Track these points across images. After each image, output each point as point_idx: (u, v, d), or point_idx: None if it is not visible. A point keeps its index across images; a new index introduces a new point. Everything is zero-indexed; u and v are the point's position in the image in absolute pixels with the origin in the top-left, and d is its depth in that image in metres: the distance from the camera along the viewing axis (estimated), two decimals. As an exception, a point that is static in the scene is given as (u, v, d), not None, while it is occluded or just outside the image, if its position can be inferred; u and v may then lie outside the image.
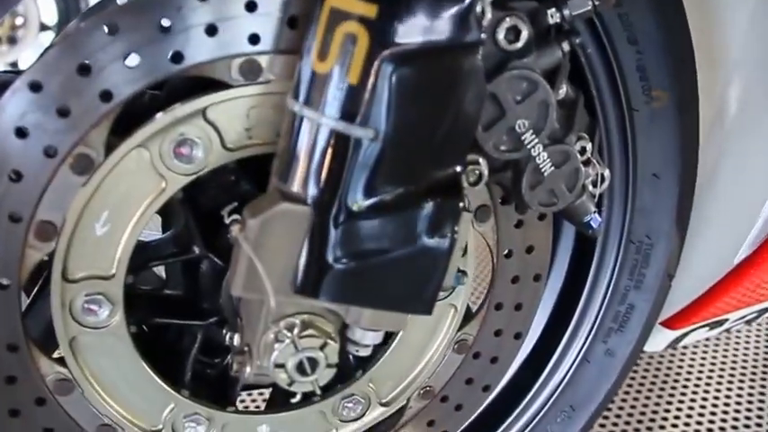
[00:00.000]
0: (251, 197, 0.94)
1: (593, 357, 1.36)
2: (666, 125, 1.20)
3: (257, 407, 1.74)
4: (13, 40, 3.92)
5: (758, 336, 2.35)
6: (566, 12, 0.94)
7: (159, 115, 0.93)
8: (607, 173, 1.08)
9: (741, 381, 2.14)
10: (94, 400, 1.06)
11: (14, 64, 3.90)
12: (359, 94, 0.82)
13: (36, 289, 1.08)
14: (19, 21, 3.87)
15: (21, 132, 0.88)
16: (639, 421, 1.95)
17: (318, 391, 1.02)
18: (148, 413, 1.10)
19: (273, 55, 0.93)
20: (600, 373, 1.38)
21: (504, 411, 1.39)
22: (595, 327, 1.34)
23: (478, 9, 0.85)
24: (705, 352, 2.26)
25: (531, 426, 1.39)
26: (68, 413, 1.06)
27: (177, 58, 0.90)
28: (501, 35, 0.90)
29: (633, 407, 2.00)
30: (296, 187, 0.86)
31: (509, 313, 1.21)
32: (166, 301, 1.14)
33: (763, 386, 2.11)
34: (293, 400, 1.06)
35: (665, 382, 2.12)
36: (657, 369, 2.17)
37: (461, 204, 0.90)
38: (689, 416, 1.98)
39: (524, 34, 0.91)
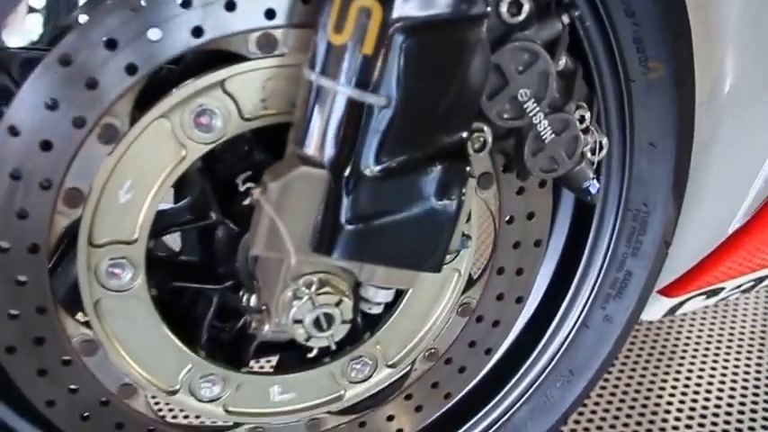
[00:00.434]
0: (264, 166, 1.03)
1: (592, 323, 1.44)
2: (662, 96, 1.28)
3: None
4: (-4, 22, 3.96)
5: (756, 306, 2.45)
6: (565, -15, 1.04)
7: (180, 87, 1.02)
8: (605, 141, 1.17)
9: (739, 350, 2.23)
10: (116, 360, 1.15)
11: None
12: (372, 64, 0.91)
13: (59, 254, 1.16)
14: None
15: (51, 105, 0.97)
16: (637, 391, 2.05)
17: (334, 347, 1.11)
18: (167, 373, 1.19)
19: (288, 29, 1.02)
20: (598, 338, 1.46)
21: (505, 376, 1.48)
22: (594, 293, 1.42)
23: (483, -16, 0.94)
24: (703, 322, 2.36)
25: (531, 390, 1.47)
26: (92, 373, 1.15)
27: (198, 32, 0.98)
28: (504, 8, 1.00)
29: (631, 377, 2.10)
30: (313, 152, 0.96)
31: (510, 278, 1.31)
32: (183, 267, 1.24)
33: (760, 356, 2.21)
34: (309, 355, 1.15)
35: (662, 351, 2.21)
36: (656, 338, 2.27)
37: (468, 168, 1.00)
38: (686, 385, 2.08)
39: (526, 8, 1.00)
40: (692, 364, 2.17)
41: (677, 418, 1.95)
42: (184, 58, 1.06)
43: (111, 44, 0.96)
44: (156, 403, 1.23)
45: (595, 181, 1.18)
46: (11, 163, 0.98)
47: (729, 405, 2.01)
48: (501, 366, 1.47)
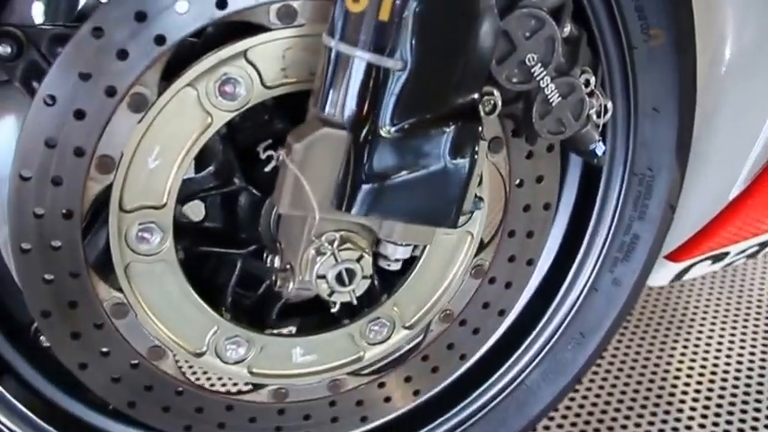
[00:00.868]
0: (284, 135, 1.11)
1: (601, 286, 1.52)
2: (664, 62, 1.35)
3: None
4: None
5: (764, 271, 2.52)
6: (569, -46, 1.11)
7: (204, 58, 1.10)
8: (610, 104, 1.24)
9: (746, 316, 2.31)
10: (146, 323, 1.23)
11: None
12: (388, 30, 0.99)
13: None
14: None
15: (84, 75, 1.05)
16: (647, 358, 2.13)
17: (355, 301, 1.19)
18: (193, 335, 1.27)
19: (306, 0, 1.09)
20: (608, 301, 1.53)
21: (517, 340, 1.55)
22: (602, 257, 1.49)
23: (491, -48, 1.02)
24: (712, 288, 2.43)
25: (543, 352, 1.55)
26: (123, 335, 1.23)
27: (222, 4, 1.06)
28: (511, -24, 1.08)
29: (640, 345, 2.18)
30: (334, 114, 1.04)
31: (521, 240, 1.38)
32: (207, 233, 1.31)
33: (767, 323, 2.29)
34: (332, 310, 1.23)
35: (672, 316, 2.30)
36: (666, 304, 2.35)
37: (480, 128, 1.08)
38: (695, 352, 2.16)
39: (532, -25, 1.08)
40: (701, 330, 2.25)
41: (687, 384, 2.03)
42: (205, 31, 1.13)
43: (141, 16, 1.04)
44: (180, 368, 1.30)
45: (601, 143, 1.25)
46: (46, 131, 1.06)
47: (738, 371, 2.09)
48: (513, 331, 1.55)
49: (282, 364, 1.34)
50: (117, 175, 1.12)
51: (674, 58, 1.36)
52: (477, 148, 1.08)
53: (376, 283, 1.32)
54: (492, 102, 1.13)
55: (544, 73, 1.13)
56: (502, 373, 1.56)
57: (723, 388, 2.03)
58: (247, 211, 1.28)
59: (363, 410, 1.43)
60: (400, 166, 1.06)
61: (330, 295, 1.17)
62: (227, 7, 1.07)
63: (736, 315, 2.32)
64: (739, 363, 2.12)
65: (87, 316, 1.20)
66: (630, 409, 1.96)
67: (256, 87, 1.12)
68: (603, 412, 1.95)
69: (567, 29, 1.16)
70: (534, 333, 1.55)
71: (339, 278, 1.16)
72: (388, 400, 1.44)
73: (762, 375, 2.07)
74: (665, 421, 1.91)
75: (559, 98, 1.16)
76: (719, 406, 1.97)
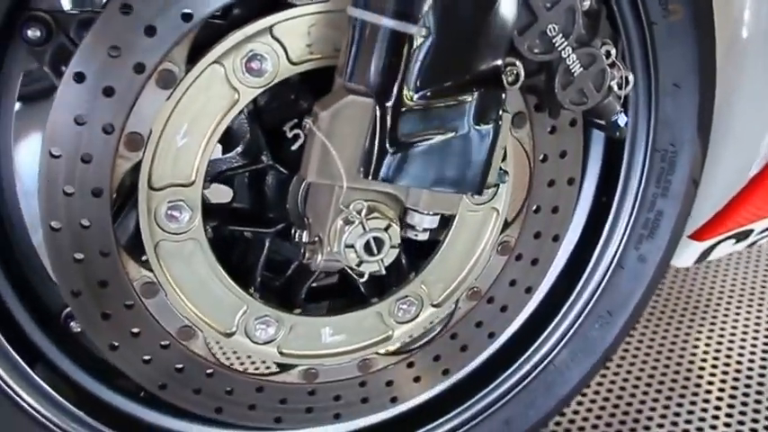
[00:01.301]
0: (309, 112, 1.12)
1: (627, 263, 1.53)
2: (684, 38, 1.36)
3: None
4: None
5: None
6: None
7: (231, 34, 1.12)
8: (631, 76, 1.24)
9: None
10: (176, 302, 1.24)
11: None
12: (412, -4, 1.01)
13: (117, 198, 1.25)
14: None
15: (113, 52, 1.07)
16: (673, 342, 2.13)
17: (383, 271, 1.20)
18: (223, 315, 1.28)
19: (330, -24, 1.12)
20: (634, 278, 1.54)
21: (544, 320, 1.56)
22: (627, 234, 1.51)
23: None
24: (737, 270, 2.44)
25: (571, 332, 1.56)
26: (153, 315, 1.24)
27: (247, -21, 1.09)
28: (531, -54, 1.09)
29: (666, 329, 2.18)
30: (360, 82, 1.05)
31: (547, 216, 1.39)
32: (236, 213, 1.33)
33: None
34: (361, 280, 1.24)
35: (698, 300, 2.30)
36: (691, 287, 2.35)
37: (503, 94, 1.09)
38: (721, 335, 2.16)
39: (552, -56, 1.10)
40: (726, 314, 2.25)
41: (712, 374, 2.03)
42: (231, 13, 1.15)
43: (168, -8, 1.06)
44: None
45: (623, 114, 1.26)
46: (75, 109, 1.08)
47: (765, 352, 2.09)
48: (541, 310, 1.56)
49: (312, 343, 1.35)
50: (146, 152, 1.13)
51: (694, 34, 1.37)
52: (500, 114, 1.09)
53: (404, 261, 1.33)
54: (515, 72, 1.14)
55: (565, 43, 1.14)
56: (530, 354, 1.57)
57: (750, 369, 2.02)
58: (275, 190, 1.30)
59: (393, 390, 1.44)
60: (425, 132, 1.07)
61: (359, 265, 1.19)
62: (254, -17, 1.09)
63: (761, 298, 2.32)
64: (766, 345, 2.11)
65: (117, 295, 1.21)
66: (659, 392, 1.96)
67: (282, 63, 1.14)
68: (632, 395, 1.95)
69: (588, 2, 1.17)
70: (561, 312, 1.56)
71: (367, 247, 1.17)
72: (417, 380, 1.45)
73: (789, 358, 2.07)
74: (690, 412, 1.91)
75: (581, 69, 1.17)
76: (748, 387, 1.98)
